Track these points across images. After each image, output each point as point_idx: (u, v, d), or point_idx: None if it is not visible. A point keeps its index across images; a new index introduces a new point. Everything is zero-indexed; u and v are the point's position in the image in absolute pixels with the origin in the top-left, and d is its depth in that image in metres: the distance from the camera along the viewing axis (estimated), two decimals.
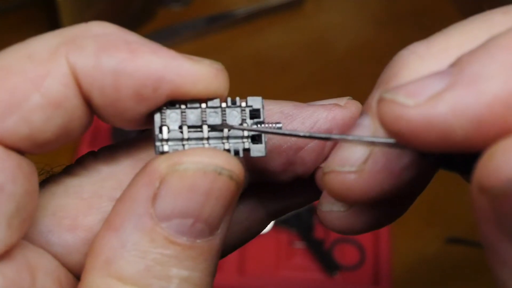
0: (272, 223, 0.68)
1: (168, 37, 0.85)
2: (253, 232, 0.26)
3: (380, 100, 0.17)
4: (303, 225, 0.69)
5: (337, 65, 0.85)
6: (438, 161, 0.19)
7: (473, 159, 0.16)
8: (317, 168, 0.24)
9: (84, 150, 0.70)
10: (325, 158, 0.24)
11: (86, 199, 0.22)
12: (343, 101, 0.24)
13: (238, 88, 0.79)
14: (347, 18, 0.91)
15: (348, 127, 0.23)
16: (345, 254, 0.68)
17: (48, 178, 0.23)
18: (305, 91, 0.81)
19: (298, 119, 0.23)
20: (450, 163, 0.19)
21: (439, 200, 0.73)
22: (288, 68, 0.84)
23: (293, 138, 0.23)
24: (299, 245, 0.68)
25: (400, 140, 0.17)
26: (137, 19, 0.85)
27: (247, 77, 0.82)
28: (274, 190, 0.26)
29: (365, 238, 0.68)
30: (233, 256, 0.66)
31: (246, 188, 0.24)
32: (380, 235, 0.67)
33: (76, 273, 0.22)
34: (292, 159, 0.24)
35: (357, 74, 0.84)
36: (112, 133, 0.71)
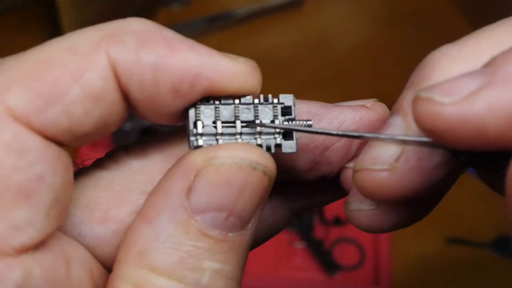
0: None
1: None
2: (277, 229, 0.27)
3: (416, 99, 0.17)
4: (303, 225, 0.69)
5: (337, 65, 0.85)
6: (468, 160, 0.19)
7: (504, 157, 0.17)
8: (342, 168, 0.25)
9: (84, 150, 0.70)
10: (351, 158, 0.24)
11: (117, 192, 0.22)
12: (369, 102, 0.25)
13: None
14: (347, 18, 0.91)
15: (374, 128, 0.24)
16: (345, 254, 0.68)
17: (79, 171, 0.23)
18: (305, 91, 0.81)
19: (326, 119, 0.24)
20: (481, 162, 0.19)
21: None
22: (288, 68, 0.84)
23: (320, 137, 0.24)
24: (299, 245, 0.68)
25: (435, 138, 0.17)
26: None
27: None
28: (299, 188, 0.26)
29: (365, 238, 0.68)
30: None
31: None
32: (380, 235, 0.67)
33: (106, 265, 0.23)
34: (319, 158, 0.24)
35: (357, 74, 0.84)
36: (112, 134, 0.71)
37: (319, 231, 0.69)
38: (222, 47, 0.75)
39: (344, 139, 0.24)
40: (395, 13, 0.90)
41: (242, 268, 0.21)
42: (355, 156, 0.24)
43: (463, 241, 0.69)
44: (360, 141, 0.24)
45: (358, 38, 0.88)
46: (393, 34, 0.88)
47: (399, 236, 0.69)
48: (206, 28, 0.87)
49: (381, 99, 0.85)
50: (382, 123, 0.24)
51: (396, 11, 0.91)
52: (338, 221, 0.70)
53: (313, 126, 0.23)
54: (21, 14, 0.84)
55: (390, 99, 0.85)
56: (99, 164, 0.23)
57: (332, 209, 0.70)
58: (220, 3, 0.92)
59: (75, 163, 0.23)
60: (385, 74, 0.84)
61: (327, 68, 0.84)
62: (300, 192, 0.26)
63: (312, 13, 0.91)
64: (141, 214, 0.20)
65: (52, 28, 0.80)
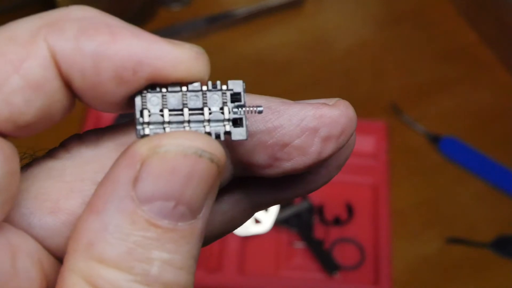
0: (272, 223, 0.69)
1: (168, 37, 0.85)
2: (237, 223, 0.26)
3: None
4: (303, 225, 0.69)
5: (337, 65, 0.85)
6: None
7: None
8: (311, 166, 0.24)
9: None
10: (315, 156, 0.24)
11: (68, 183, 0.22)
12: (332, 101, 0.24)
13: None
14: (347, 18, 0.91)
15: (336, 125, 0.23)
16: (345, 254, 0.68)
17: (31, 162, 0.23)
18: (305, 91, 0.81)
19: (285, 116, 0.23)
20: None
21: (439, 200, 0.73)
22: (288, 68, 0.84)
23: (279, 134, 0.23)
24: (299, 245, 0.68)
25: None
26: (137, 19, 0.85)
27: (247, 77, 0.82)
28: (261, 182, 0.26)
29: (365, 238, 0.68)
30: (233, 256, 0.66)
31: (231, 180, 0.24)
32: (380, 235, 0.67)
33: (58, 256, 0.22)
34: (278, 154, 0.24)
35: (357, 74, 0.84)
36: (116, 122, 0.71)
37: (319, 231, 0.69)
38: (222, 47, 0.75)
39: (304, 136, 0.23)
40: (395, 13, 0.91)
41: (195, 258, 0.20)
42: (322, 155, 0.24)
43: (463, 241, 0.69)
44: (323, 137, 0.24)
45: (358, 38, 0.88)
46: (393, 34, 0.88)
47: (399, 236, 0.69)
48: (206, 28, 0.87)
49: (381, 99, 0.85)
50: (345, 121, 0.23)
51: (396, 11, 0.91)
52: (338, 221, 0.70)
53: (271, 123, 0.23)
54: (21, 14, 0.84)
55: (390, 99, 0.85)
56: (51, 154, 0.23)
57: (332, 209, 0.70)
58: (220, 3, 0.92)
59: (27, 154, 0.23)
60: (385, 74, 0.84)
61: (327, 68, 0.85)
62: (262, 187, 0.26)
63: (312, 13, 0.91)
64: (89, 205, 0.20)
65: None
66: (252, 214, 0.27)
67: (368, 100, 0.81)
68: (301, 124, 0.23)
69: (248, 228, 0.68)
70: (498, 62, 0.84)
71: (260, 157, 0.24)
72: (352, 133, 0.24)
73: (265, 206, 0.27)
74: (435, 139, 0.77)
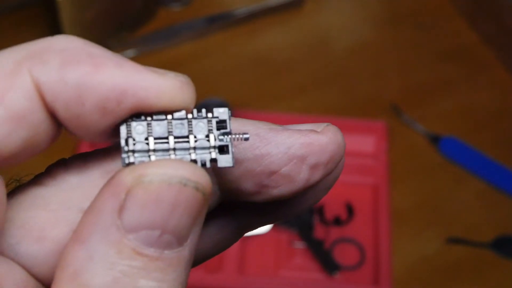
0: None
1: (168, 37, 0.85)
2: (225, 244, 0.26)
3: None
4: (303, 225, 0.69)
5: (337, 65, 0.85)
6: None
7: None
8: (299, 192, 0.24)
9: (84, 150, 0.70)
10: (303, 183, 0.24)
11: (54, 211, 0.22)
12: (320, 127, 0.24)
13: (238, 88, 0.80)
14: (347, 18, 0.91)
15: (325, 152, 0.23)
16: (345, 254, 0.68)
17: (16, 189, 0.23)
18: (305, 91, 0.81)
19: (273, 143, 0.23)
20: None
21: (439, 200, 0.73)
22: (288, 68, 0.84)
23: (266, 161, 0.23)
24: (299, 245, 0.68)
25: None
26: (137, 19, 0.85)
27: (247, 77, 0.82)
28: (248, 206, 0.26)
29: (365, 238, 0.68)
30: (233, 256, 0.66)
31: (219, 204, 0.24)
32: (380, 235, 0.67)
33: (46, 284, 0.22)
34: (266, 182, 0.24)
35: (357, 74, 0.84)
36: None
37: (319, 231, 0.69)
38: (222, 47, 0.75)
39: (291, 164, 0.23)
40: (395, 13, 0.91)
41: (183, 285, 0.20)
42: (310, 181, 0.24)
43: (463, 241, 0.69)
44: (311, 165, 0.23)
45: (358, 38, 0.88)
46: (393, 34, 0.88)
47: (399, 236, 0.69)
48: (206, 28, 0.87)
49: (381, 99, 0.85)
50: (333, 147, 0.23)
51: (396, 11, 0.91)
52: (338, 221, 0.70)
53: (259, 150, 0.23)
54: (21, 14, 0.84)
55: (390, 99, 0.85)
56: (36, 181, 0.23)
57: (332, 209, 0.70)
58: (220, 3, 0.92)
59: (13, 180, 0.23)
60: (385, 74, 0.84)
61: (327, 68, 0.85)
62: (249, 210, 0.26)
63: (312, 13, 0.91)
64: (75, 234, 0.20)
65: (52, 28, 0.80)
66: (241, 236, 0.27)
67: (368, 100, 0.81)
68: (289, 152, 0.23)
69: None
70: (498, 62, 0.84)
71: (247, 184, 0.24)
72: (340, 159, 0.24)
73: (253, 228, 0.27)
74: (435, 139, 0.77)
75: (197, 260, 0.25)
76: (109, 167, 0.23)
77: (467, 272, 0.68)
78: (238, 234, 0.26)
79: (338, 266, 0.66)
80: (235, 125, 0.23)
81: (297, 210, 0.26)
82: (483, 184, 0.74)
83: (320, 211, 0.70)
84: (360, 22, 0.91)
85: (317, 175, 0.24)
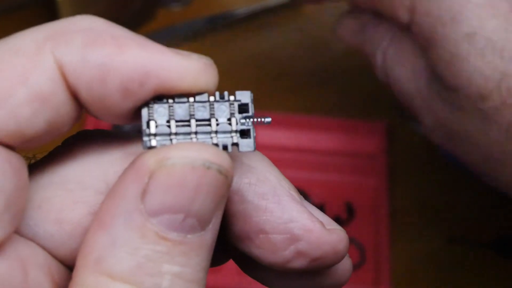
0: None
1: (168, 37, 0.85)
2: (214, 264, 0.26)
3: None
4: None
5: (337, 65, 0.85)
6: None
7: None
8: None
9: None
10: (281, 261, 0.23)
11: (71, 191, 0.22)
12: (332, 225, 0.24)
13: (238, 88, 0.79)
14: None
15: (318, 248, 0.23)
16: None
17: (32, 166, 0.22)
18: (305, 91, 0.81)
19: (282, 206, 0.23)
20: None
21: (439, 200, 0.73)
22: (288, 68, 0.84)
23: (263, 217, 0.23)
24: None
25: None
26: (137, 19, 0.85)
27: (247, 77, 0.82)
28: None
29: (365, 238, 0.68)
30: None
31: None
32: (380, 235, 0.67)
33: (67, 264, 0.22)
34: (252, 235, 0.23)
35: (357, 74, 0.84)
36: (113, 127, 0.71)
37: None
38: (222, 47, 0.75)
39: (283, 237, 0.23)
40: None
41: (205, 270, 0.20)
42: (289, 265, 0.23)
43: (464, 241, 0.69)
44: (298, 250, 0.23)
45: None
46: None
47: (399, 236, 0.69)
48: (206, 28, 0.87)
49: (381, 99, 0.85)
50: (329, 250, 0.23)
51: None
52: (338, 221, 0.69)
53: (266, 203, 0.23)
54: (21, 14, 0.84)
55: (389, 98, 0.84)
56: (53, 156, 0.23)
57: (332, 209, 0.70)
58: (220, 3, 0.92)
59: (27, 157, 0.22)
60: None
61: (327, 68, 0.84)
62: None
63: (312, 13, 0.91)
64: (97, 219, 0.20)
65: None
66: (226, 260, 0.27)
67: (368, 100, 0.81)
68: (289, 224, 0.23)
69: None
70: None
71: (235, 227, 0.23)
72: (331, 265, 0.24)
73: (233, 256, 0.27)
74: None
75: None
76: (129, 150, 0.23)
77: (467, 272, 0.68)
78: (223, 258, 0.26)
79: None
80: (273, 174, 0.23)
81: (279, 285, 0.26)
82: (483, 184, 0.74)
83: (320, 210, 0.70)
84: None
85: (299, 263, 0.23)
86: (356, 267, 0.67)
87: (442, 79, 0.41)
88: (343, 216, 0.70)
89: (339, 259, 0.24)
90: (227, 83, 0.90)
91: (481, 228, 0.70)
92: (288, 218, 0.23)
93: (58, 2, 0.74)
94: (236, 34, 0.88)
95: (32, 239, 0.21)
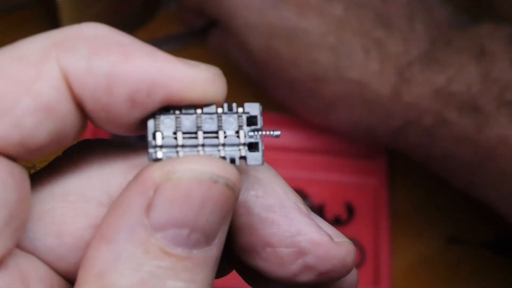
0: None
1: (168, 37, 0.85)
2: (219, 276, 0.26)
3: None
4: None
5: None
6: None
7: None
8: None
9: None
10: (288, 275, 0.23)
11: (72, 203, 0.21)
12: (341, 238, 0.23)
13: (238, 88, 0.80)
14: None
15: (326, 263, 0.23)
16: None
17: (33, 176, 0.22)
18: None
19: (289, 219, 0.23)
20: None
21: (439, 200, 0.73)
22: None
23: (269, 231, 0.22)
24: None
25: None
26: (137, 20, 0.85)
27: (246, 77, 0.82)
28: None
29: (365, 238, 0.68)
30: None
31: None
32: (380, 235, 0.67)
33: (68, 278, 0.22)
34: (258, 249, 0.23)
35: None
36: (112, 135, 0.71)
37: None
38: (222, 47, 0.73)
39: (290, 250, 0.22)
40: None
41: (210, 285, 0.20)
42: (296, 279, 0.23)
43: (463, 241, 0.69)
44: (306, 264, 0.22)
45: None
46: None
47: (399, 236, 0.69)
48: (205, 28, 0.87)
49: None
50: (337, 263, 0.23)
51: None
52: (338, 221, 0.70)
53: (273, 216, 0.22)
54: (21, 14, 0.84)
55: None
56: (54, 167, 0.22)
57: (332, 209, 0.70)
58: None
59: (27, 167, 0.22)
60: None
61: None
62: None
63: None
64: (100, 233, 0.19)
65: (52, 28, 0.80)
66: (230, 271, 0.26)
67: None
68: (296, 237, 0.22)
69: None
70: None
71: (241, 240, 0.23)
72: (338, 278, 0.23)
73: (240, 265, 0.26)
74: None
75: None
76: (133, 161, 0.22)
77: (467, 272, 0.68)
78: (229, 270, 0.26)
79: None
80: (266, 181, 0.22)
81: None
82: None
83: (320, 211, 0.70)
84: None
85: (307, 277, 0.23)
86: (356, 267, 0.67)
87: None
88: (343, 216, 0.70)
89: (348, 272, 0.24)
90: (226, 83, 0.90)
91: (481, 228, 0.70)
92: (296, 231, 0.22)
93: (58, 2, 0.74)
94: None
95: (32, 253, 0.21)
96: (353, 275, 0.25)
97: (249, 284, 0.27)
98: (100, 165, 0.22)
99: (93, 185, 0.21)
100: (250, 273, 0.25)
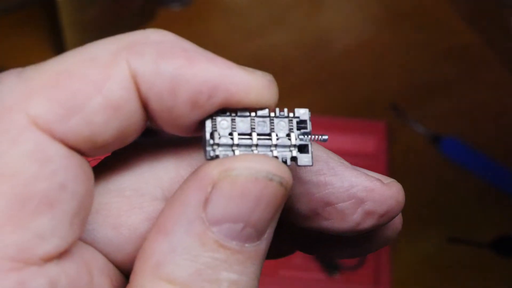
0: None
1: None
2: (277, 255, 0.27)
3: None
4: None
5: (337, 65, 0.85)
6: None
7: None
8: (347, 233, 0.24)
9: None
10: (352, 225, 0.24)
11: (127, 197, 0.22)
12: (387, 180, 0.25)
13: None
14: (347, 18, 0.91)
15: (383, 204, 0.24)
16: None
17: None
18: (305, 91, 0.81)
19: (339, 176, 0.24)
20: None
21: (439, 200, 0.73)
22: (288, 68, 0.84)
23: (326, 190, 0.24)
24: None
25: None
26: (137, 19, 0.85)
27: None
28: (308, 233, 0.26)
29: None
30: None
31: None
32: None
33: (122, 269, 0.22)
34: (319, 211, 0.24)
35: (357, 74, 0.84)
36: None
37: None
38: (222, 47, 0.75)
39: (349, 202, 0.24)
40: (395, 13, 0.91)
41: (258, 278, 0.21)
42: (360, 227, 0.24)
43: (463, 241, 0.69)
44: (366, 211, 0.24)
45: (357, 38, 0.88)
46: (392, 34, 0.88)
47: (399, 236, 0.69)
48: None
49: (381, 99, 0.85)
50: (392, 203, 0.24)
51: (396, 11, 0.91)
52: None
53: (324, 178, 0.23)
54: (21, 14, 0.84)
55: (390, 99, 0.84)
56: (106, 165, 0.23)
57: None
58: (220, 4, 0.92)
59: None
60: (385, 74, 0.84)
61: (327, 68, 0.85)
62: (308, 238, 0.26)
63: (312, 13, 0.91)
64: (157, 226, 0.20)
65: (52, 28, 0.80)
66: (293, 251, 0.28)
67: (368, 100, 0.81)
68: (351, 190, 0.24)
69: None
70: (498, 62, 0.84)
71: (301, 207, 0.24)
72: (395, 216, 0.25)
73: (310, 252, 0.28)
74: (435, 139, 0.77)
75: None
76: (183, 158, 0.23)
77: (467, 272, 0.68)
78: (291, 248, 0.27)
79: (338, 266, 0.66)
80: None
81: (344, 254, 0.27)
82: (483, 184, 0.74)
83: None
84: (360, 22, 0.91)
85: (369, 222, 0.24)
86: (356, 267, 0.67)
87: None
88: None
89: (401, 208, 0.25)
90: None
91: (481, 228, 0.70)
92: (349, 185, 0.24)
93: (58, 2, 0.75)
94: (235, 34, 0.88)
95: (91, 244, 0.22)
96: (398, 217, 0.27)
97: (309, 252, 0.28)
98: (150, 162, 0.23)
99: (146, 181, 0.23)
100: (309, 242, 0.27)
